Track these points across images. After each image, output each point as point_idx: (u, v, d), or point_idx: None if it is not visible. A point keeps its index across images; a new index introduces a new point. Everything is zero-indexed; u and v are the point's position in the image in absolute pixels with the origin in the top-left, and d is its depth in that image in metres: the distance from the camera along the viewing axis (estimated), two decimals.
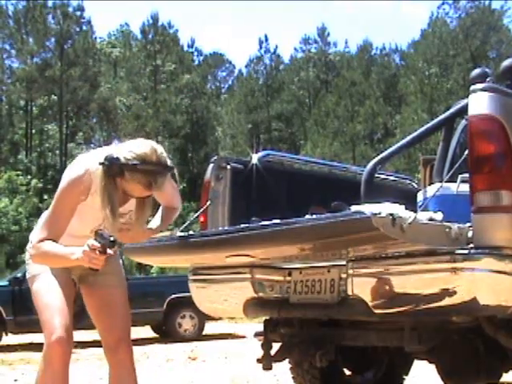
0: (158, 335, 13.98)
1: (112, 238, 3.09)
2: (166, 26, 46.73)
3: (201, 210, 4.29)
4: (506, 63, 4.51)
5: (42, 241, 3.25)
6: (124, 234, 3.44)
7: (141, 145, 3.17)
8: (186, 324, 13.41)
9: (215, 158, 4.45)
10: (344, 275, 3.39)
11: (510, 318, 3.01)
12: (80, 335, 12.78)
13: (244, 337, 12.83)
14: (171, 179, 3.41)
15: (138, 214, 3.44)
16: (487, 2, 43.82)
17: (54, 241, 3.23)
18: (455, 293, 2.84)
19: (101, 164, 3.14)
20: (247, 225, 3.27)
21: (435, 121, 4.10)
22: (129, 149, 3.14)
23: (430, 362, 4.09)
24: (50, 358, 3.36)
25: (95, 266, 3.11)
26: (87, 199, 3.30)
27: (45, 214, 3.44)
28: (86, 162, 3.30)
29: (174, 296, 13.03)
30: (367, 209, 2.61)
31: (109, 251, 3.09)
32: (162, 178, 3.15)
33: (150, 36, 46.10)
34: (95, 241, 3.08)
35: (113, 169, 3.11)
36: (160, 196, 3.51)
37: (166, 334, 13.58)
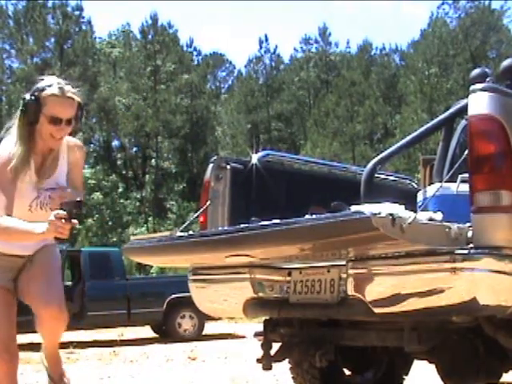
0: (157, 335, 13.99)
1: (78, 198, 3.24)
2: (166, 26, 46.75)
3: (200, 210, 4.29)
4: (505, 63, 4.51)
5: None
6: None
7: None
8: (186, 324, 13.42)
9: (215, 157, 4.45)
10: (344, 275, 3.38)
11: (509, 318, 3.01)
12: (79, 335, 12.81)
13: (244, 337, 12.84)
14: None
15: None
16: (487, 2, 43.83)
17: (9, 215, 3.30)
18: (455, 293, 2.84)
19: (20, 113, 3.41)
20: (247, 225, 3.27)
21: (435, 121, 4.10)
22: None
23: (430, 362, 4.09)
24: None
25: (62, 235, 3.18)
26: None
27: None
28: (7, 145, 3.44)
29: (173, 296, 13.05)
30: (367, 209, 2.61)
31: (74, 220, 3.15)
32: (70, 86, 3.46)
33: (150, 36, 46.08)
34: (61, 210, 3.16)
35: (29, 108, 3.38)
36: (76, 170, 3.68)
37: (166, 333, 13.59)
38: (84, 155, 3.79)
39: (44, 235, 3.22)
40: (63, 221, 3.13)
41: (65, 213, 3.13)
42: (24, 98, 3.41)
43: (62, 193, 3.46)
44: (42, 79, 3.51)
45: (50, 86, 3.41)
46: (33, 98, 3.39)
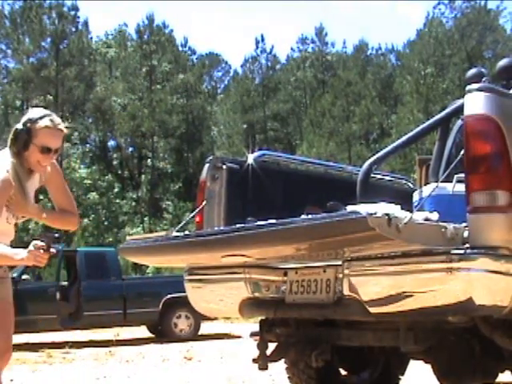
0: (153, 335, 13.97)
1: (57, 235, 3.43)
2: (162, 26, 46.71)
3: (196, 210, 4.29)
4: (501, 63, 4.52)
5: None
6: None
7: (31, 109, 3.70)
8: (182, 324, 13.41)
9: (211, 157, 4.45)
10: (340, 275, 3.38)
11: (505, 318, 3.01)
12: (75, 335, 12.80)
13: (240, 337, 12.83)
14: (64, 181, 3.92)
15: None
16: (483, 2, 43.84)
17: None
18: (451, 293, 2.84)
19: (10, 141, 3.54)
20: (243, 225, 3.27)
21: (431, 121, 4.10)
22: (25, 115, 3.62)
23: (426, 362, 4.09)
24: None
25: (39, 264, 3.35)
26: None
27: None
28: (2, 163, 3.55)
29: (169, 296, 13.04)
30: (363, 209, 2.61)
31: (52, 250, 3.32)
32: (58, 117, 3.65)
33: (146, 36, 46.03)
34: (39, 240, 3.32)
35: (20, 137, 3.53)
36: (53, 185, 3.82)
37: (162, 333, 13.57)
38: (59, 172, 3.91)
39: (23, 262, 3.39)
40: (41, 251, 3.29)
41: (43, 244, 3.29)
42: (16, 129, 3.57)
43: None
44: (31, 110, 3.68)
45: (41, 118, 3.57)
46: (24, 128, 3.54)
